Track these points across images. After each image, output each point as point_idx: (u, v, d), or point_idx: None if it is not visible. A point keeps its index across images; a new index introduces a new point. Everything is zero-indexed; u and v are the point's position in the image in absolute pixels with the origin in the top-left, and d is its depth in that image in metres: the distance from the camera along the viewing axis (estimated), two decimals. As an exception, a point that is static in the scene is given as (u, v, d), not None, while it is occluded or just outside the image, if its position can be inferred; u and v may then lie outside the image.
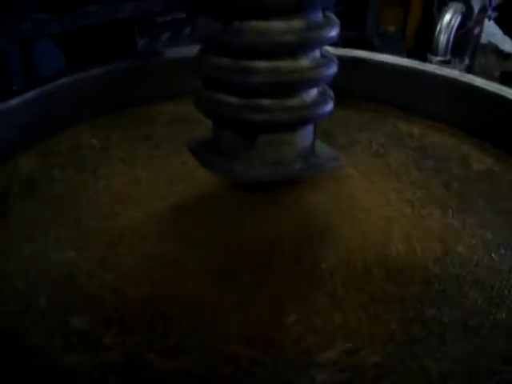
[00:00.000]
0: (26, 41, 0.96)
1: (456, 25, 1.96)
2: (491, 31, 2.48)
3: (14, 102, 0.88)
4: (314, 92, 0.71)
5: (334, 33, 0.68)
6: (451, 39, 1.97)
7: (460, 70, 1.05)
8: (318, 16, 0.67)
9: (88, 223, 0.72)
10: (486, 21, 2.25)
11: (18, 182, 0.81)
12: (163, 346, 0.54)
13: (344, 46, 1.10)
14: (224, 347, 0.54)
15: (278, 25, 0.64)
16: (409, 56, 1.11)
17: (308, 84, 0.69)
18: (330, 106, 0.72)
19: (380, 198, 0.78)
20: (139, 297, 0.60)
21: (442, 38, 1.97)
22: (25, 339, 0.55)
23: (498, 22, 2.48)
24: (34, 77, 1.00)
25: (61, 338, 0.55)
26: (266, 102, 0.68)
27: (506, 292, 0.61)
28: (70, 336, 0.55)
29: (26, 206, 0.76)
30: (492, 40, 2.50)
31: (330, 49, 0.74)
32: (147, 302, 0.60)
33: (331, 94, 0.73)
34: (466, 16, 2.00)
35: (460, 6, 1.98)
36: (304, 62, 0.67)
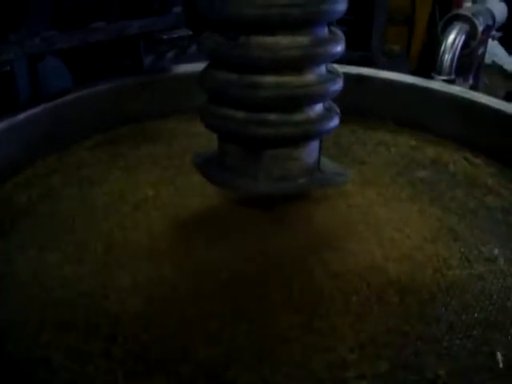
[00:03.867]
0: (34, 58, 0.97)
1: (460, 44, 1.97)
2: (495, 51, 2.49)
3: (20, 117, 0.89)
4: (319, 107, 0.71)
5: (339, 48, 0.68)
6: (455, 59, 1.98)
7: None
8: (324, 31, 0.68)
9: (89, 241, 0.72)
10: (490, 41, 2.27)
11: (21, 198, 0.82)
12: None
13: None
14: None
15: (283, 40, 0.64)
16: (413, 75, 1.12)
17: (313, 99, 0.70)
18: (335, 122, 0.72)
19: (386, 214, 0.78)
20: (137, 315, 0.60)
21: (447, 58, 1.98)
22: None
23: (501, 42, 2.49)
24: (42, 94, 1.01)
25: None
26: (271, 116, 0.68)
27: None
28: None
29: (29, 222, 0.76)
30: (496, 60, 2.51)
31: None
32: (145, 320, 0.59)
33: (337, 109, 0.73)
34: (470, 36, 2.01)
35: (464, 26, 1.99)
36: (310, 77, 0.68)
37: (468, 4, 2.33)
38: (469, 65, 2.15)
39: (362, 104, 1.06)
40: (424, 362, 0.54)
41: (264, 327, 0.58)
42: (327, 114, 0.72)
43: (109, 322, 0.58)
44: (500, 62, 2.54)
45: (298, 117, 0.69)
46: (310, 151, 0.74)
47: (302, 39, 0.65)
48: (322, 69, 0.70)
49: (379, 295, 0.62)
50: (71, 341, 0.56)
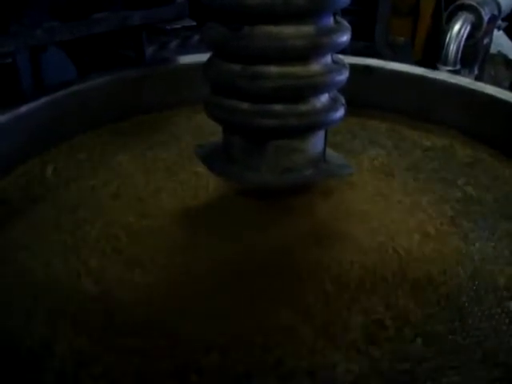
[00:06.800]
0: (36, 49, 0.96)
1: (465, 35, 1.95)
2: (500, 41, 2.47)
3: (23, 109, 0.89)
4: (325, 98, 0.70)
5: (345, 38, 0.68)
6: (460, 49, 1.96)
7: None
8: (329, 21, 0.67)
9: (91, 231, 0.72)
10: (496, 31, 2.24)
11: (20, 190, 0.82)
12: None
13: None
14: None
15: (288, 30, 0.63)
16: (418, 65, 1.11)
17: (319, 89, 0.69)
18: (341, 112, 0.71)
19: (389, 206, 0.77)
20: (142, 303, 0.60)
21: (452, 48, 1.96)
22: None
23: (507, 32, 2.47)
24: (45, 85, 1.00)
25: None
26: (276, 107, 0.67)
27: None
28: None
29: (28, 214, 0.76)
30: (501, 50, 2.49)
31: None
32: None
33: (342, 100, 0.73)
34: (476, 26, 1.99)
35: (469, 16, 1.97)
36: (315, 67, 0.67)
37: (473, -7, 2.30)
38: (474, 55, 2.13)
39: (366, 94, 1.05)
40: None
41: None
42: (333, 104, 0.71)
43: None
44: (505, 53, 2.52)
45: (303, 107, 0.68)
46: (316, 142, 0.73)
47: (307, 29, 0.64)
48: (328, 59, 0.69)
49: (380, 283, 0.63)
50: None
